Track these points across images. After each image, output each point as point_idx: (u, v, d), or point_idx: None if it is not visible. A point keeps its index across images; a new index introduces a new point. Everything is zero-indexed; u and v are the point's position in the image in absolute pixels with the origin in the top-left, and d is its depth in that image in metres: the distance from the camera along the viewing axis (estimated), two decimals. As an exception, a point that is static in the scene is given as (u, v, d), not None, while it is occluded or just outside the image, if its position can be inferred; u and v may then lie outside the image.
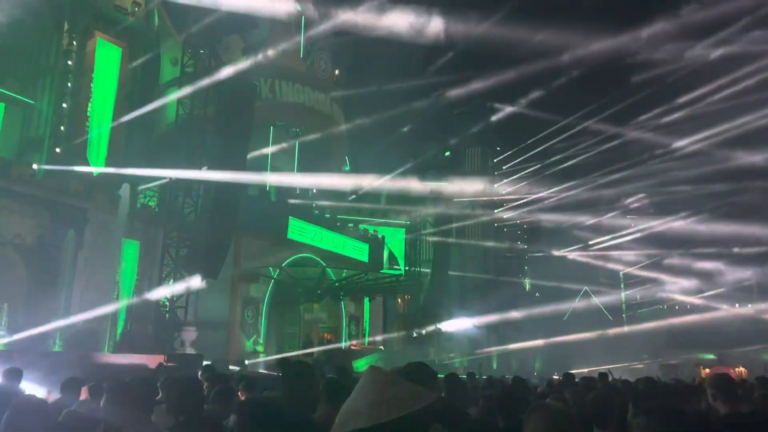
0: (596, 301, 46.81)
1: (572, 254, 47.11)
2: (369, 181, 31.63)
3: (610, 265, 48.16)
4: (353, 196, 35.83)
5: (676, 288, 46.91)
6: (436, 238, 36.70)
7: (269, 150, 28.16)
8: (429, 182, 39.87)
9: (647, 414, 2.53)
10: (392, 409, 1.76)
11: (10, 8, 19.27)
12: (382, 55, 35.59)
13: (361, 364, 23.88)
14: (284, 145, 28.86)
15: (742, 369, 38.80)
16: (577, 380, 10.45)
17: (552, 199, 43.35)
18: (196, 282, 20.06)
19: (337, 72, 33.80)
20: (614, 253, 48.31)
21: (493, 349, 38.65)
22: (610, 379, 10.67)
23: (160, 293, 20.47)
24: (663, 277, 46.59)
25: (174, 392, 4.04)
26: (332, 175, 31.02)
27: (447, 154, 45.02)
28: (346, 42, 33.71)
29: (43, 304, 18.51)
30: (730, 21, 28.09)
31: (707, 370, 40.07)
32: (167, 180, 21.75)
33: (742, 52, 28.48)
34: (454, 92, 38.63)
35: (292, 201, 28.41)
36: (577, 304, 43.67)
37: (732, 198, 35.59)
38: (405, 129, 37.79)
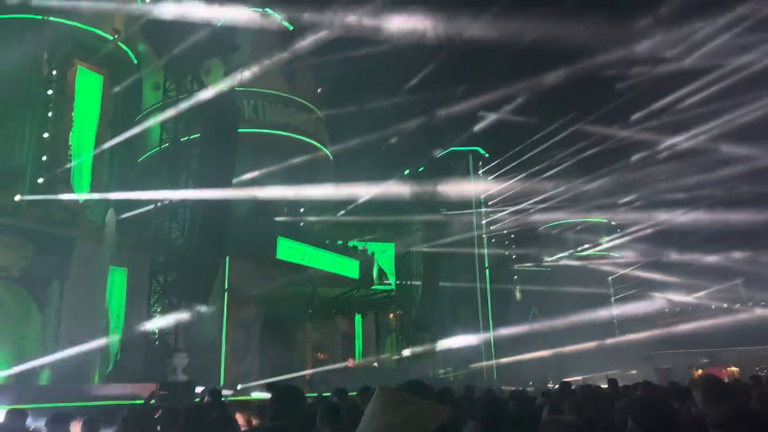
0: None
1: (561, 261, 47.33)
2: (356, 190, 31.34)
3: (599, 270, 48.48)
4: (342, 212, 35.81)
5: (665, 290, 47.34)
6: (425, 250, 36.68)
7: (251, 175, 28.07)
8: (416, 195, 39.96)
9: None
10: (411, 430, 1.77)
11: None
12: (364, 71, 35.86)
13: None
14: (272, 168, 28.77)
15: (734, 368, 39.08)
16: (573, 387, 10.46)
17: (539, 207, 43.63)
18: (185, 315, 20.03)
19: (319, 90, 33.93)
20: (603, 258, 48.68)
21: (489, 363, 38.55)
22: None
23: (152, 325, 20.20)
24: (652, 279, 46.99)
25: (181, 419, 4.01)
26: (320, 186, 30.65)
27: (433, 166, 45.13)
28: (329, 60, 33.90)
29: (30, 337, 18.25)
30: (707, 20, 28.45)
31: (700, 371, 40.28)
32: (153, 207, 21.62)
33: (719, 52, 28.85)
34: (439, 104, 38.99)
35: (279, 219, 28.26)
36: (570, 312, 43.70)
37: (720, 199, 36.00)
38: (391, 143, 37.92)
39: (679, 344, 42.30)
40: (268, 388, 6.73)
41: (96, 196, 21.84)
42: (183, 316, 19.83)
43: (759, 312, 43.27)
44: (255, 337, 24.99)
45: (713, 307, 45.67)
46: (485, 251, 44.81)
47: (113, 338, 20.71)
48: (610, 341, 40.40)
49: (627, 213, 43.99)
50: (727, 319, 43.64)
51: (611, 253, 49.00)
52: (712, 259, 41.47)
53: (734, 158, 32.61)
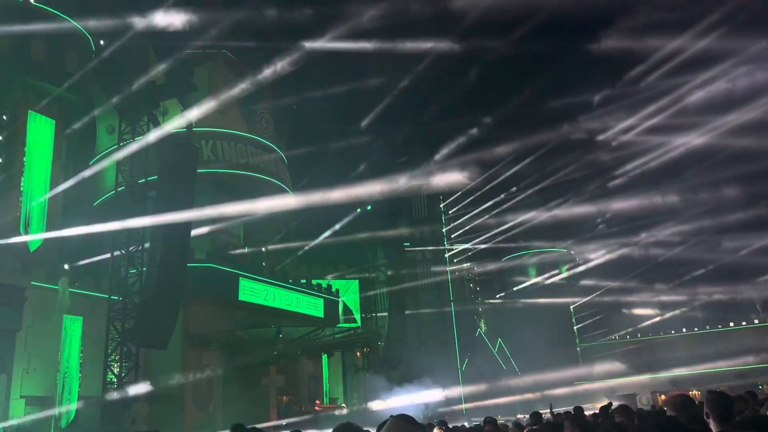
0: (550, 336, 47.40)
1: (524, 295, 47.72)
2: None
3: (561, 300, 49.05)
4: (304, 249, 35.55)
5: (626, 316, 48.19)
6: (390, 289, 36.51)
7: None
8: (379, 231, 40.00)
9: None
10: None
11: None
12: (323, 110, 36.13)
13: None
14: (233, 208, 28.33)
15: (695, 392, 39.68)
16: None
17: (500, 238, 44.08)
18: (143, 387, 19.57)
19: (278, 129, 33.92)
20: (565, 286, 49.29)
21: (464, 406, 38.06)
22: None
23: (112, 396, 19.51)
24: (615, 302, 47.82)
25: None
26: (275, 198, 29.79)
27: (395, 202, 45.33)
28: (288, 100, 34.11)
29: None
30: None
31: (663, 396, 40.81)
32: (109, 255, 21.08)
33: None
34: (395, 138, 39.45)
35: (238, 252, 27.73)
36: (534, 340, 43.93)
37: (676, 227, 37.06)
38: (351, 178, 37.98)
39: (643, 370, 42.82)
40: (233, 429, 6.51)
41: (49, 234, 21.24)
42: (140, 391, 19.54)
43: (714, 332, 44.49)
44: (217, 383, 24.26)
45: (672, 332, 46.63)
46: (447, 287, 44.82)
47: (69, 390, 19.84)
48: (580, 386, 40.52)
49: (588, 242, 44.85)
50: (686, 342, 44.68)
51: (573, 282, 49.65)
52: (670, 286, 42.53)
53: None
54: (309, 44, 25.70)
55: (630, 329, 48.08)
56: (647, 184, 35.40)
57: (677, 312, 45.05)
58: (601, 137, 34.01)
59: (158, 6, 21.73)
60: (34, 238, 21.33)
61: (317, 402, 28.65)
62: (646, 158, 33.65)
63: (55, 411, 18.93)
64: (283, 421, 23.09)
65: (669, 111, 30.22)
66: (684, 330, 46.36)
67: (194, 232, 22.53)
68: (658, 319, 46.35)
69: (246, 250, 29.31)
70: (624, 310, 48.35)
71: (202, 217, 23.35)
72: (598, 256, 44.46)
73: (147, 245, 20.89)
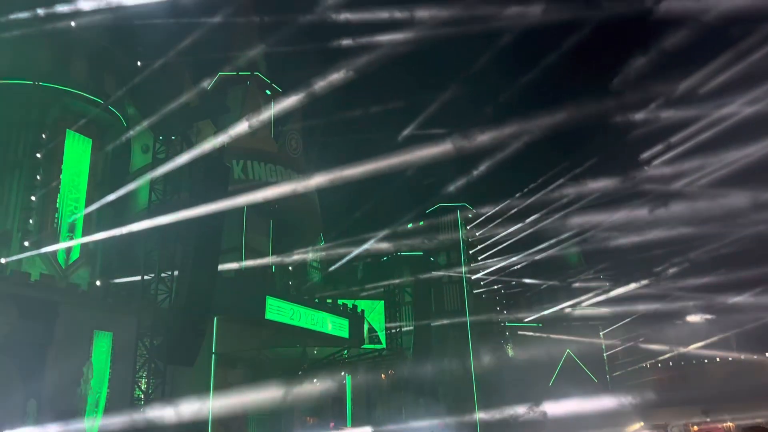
0: (579, 363, 46.59)
1: (553, 318, 47.01)
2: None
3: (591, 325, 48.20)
4: (330, 270, 35.71)
5: (657, 344, 47.06)
6: (417, 323, 36.45)
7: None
8: (404, 252, 40.05)
9: None
10: None
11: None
12: (350, 129, 36.49)
13: None
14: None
15: (730, 423, 38.55)
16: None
17: (527, 261, 43.57)
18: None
19: (308, 151, 34.36)
20: (595, 313, 48.41)
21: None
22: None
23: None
24: (643, 333, 46.77)
25: None
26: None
27: (421, 223, 45.34)
28: (316, 120, 34.53)
29: (10, 407, 17.65)
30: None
31: (696, 428, 39.81)
32: (140, 278, 21.43)
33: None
34: (424, 160, 39.44)
35: (264, 262, 27.92)
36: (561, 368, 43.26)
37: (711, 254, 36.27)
38: (379, 200, 38.10)
39: (674, 399, 41.72)
40: None
41: (84, 240, 21.73)
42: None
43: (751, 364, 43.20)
44: (242, 401, 24.30)
45: (706, 362, 45.41)
46: (473, 309, 44.42)
47: (96, 404, 20.09)
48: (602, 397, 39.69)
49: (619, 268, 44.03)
50: (719, 372, 43.47)
51: (601, 309, 48.70)
52: (702, 312, 41.51)
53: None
54: (344, 42, 25.75)
55: (662, 357, 46.99)
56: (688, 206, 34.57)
57: (713, 340, 43.92)
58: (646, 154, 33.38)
59: (195, 30, 22.27)
60: (69, 244, 21.82)
61: (332, 422, 28.47)
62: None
63: (81, 426, 19.16)
64: None
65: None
66: (718, 359, 45.13)
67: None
68: (692, 347, 45.21)
69: (273, 268, 29.49)
70: (657, 338, 47.31)
71: (231, 207, 23.44)
72: (629, 281, 43.63)
73: (176, 273, 21.18)
